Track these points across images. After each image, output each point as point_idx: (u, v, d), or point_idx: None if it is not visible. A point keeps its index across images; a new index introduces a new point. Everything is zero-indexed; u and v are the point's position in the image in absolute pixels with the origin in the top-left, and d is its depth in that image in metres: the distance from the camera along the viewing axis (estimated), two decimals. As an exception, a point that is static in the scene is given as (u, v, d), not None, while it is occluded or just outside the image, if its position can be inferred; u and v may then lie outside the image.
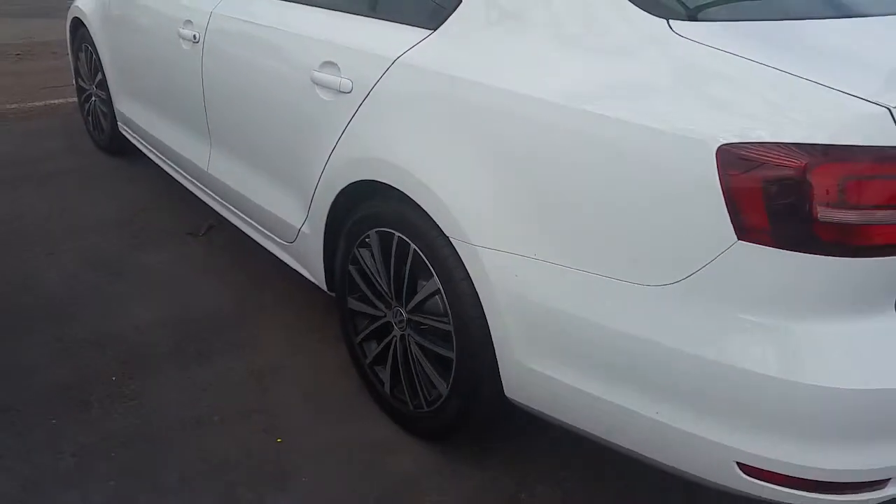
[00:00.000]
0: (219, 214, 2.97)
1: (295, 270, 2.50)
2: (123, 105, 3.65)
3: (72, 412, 2.12)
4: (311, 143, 2.17)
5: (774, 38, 1.46)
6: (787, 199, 1.25)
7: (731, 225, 1.29)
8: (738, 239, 1.29)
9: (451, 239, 1.72)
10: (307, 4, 2.30)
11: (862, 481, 1.34)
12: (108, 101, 3.86)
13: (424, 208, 1.77)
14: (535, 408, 1.71)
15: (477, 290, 1.70)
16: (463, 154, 1.68)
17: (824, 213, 1.24)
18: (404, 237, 1.90)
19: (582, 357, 1.56)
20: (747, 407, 1.35)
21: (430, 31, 1.82)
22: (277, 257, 2.59)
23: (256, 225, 2.64)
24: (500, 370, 1.72)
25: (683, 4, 1.50)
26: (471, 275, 1.70)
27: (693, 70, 1.38)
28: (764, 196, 1.26)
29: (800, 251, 1.26)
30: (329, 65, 2.06)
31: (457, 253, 1.72)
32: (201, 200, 3.12)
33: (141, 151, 3.66)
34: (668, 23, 1.45)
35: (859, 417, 1.30)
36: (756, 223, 1.28)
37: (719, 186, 1.29)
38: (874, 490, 1.37)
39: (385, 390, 2.11)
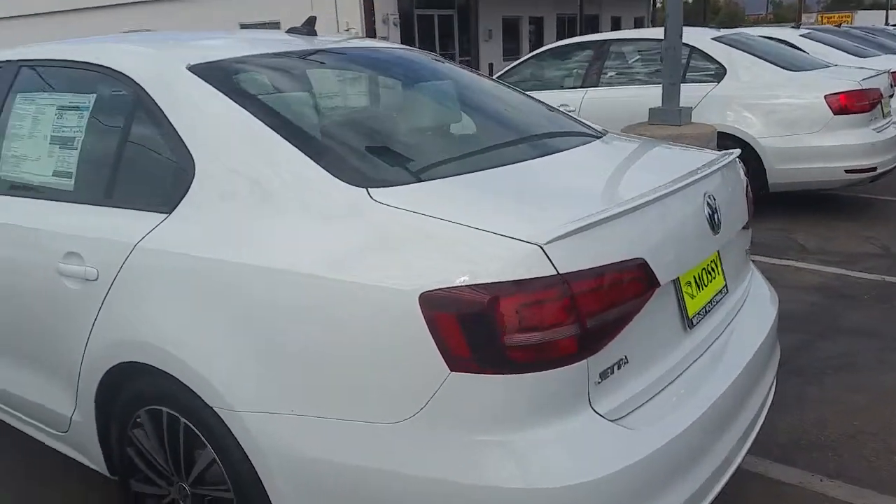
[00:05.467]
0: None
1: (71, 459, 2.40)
2: None
3: None
4: (68, 333, 2.15)
5: (454, 193, 1.74)
6: (481, 331, 1.46)
7: (442, 360, 1.48)
8: (451, 371, 1.48)
9: (215, 408, 1.77)
10: (38, 198, 2.29)
11: None
12: None
13: (185, 382, 1.82)
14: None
15: (247, 453, 1.75)
16: (211, 326, 1.78)
17: (511, 339, 1.46)
18: (173, 412, 1.92)
19: (352, 500, 1.65)
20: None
21: (166, 215, 1.92)
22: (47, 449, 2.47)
23: (26, 418, 2.51)
24: (285, 528, 1.77)
25: (380, 171, 1.77)
26: (238, 439, 1.76)
27: (390, 232, 1.60)
28: (463, 331, 1.47)
29: (501, 373, 1.47)
30: (72, 255, 2.09)
31: (223, 421, 1.78)
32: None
33: None
34: (367, 191, 1.67)
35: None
36: (462, 354, 1.47)
37: (426, 328, 1.48)
38: None
39: (184, 568, 2.06)
